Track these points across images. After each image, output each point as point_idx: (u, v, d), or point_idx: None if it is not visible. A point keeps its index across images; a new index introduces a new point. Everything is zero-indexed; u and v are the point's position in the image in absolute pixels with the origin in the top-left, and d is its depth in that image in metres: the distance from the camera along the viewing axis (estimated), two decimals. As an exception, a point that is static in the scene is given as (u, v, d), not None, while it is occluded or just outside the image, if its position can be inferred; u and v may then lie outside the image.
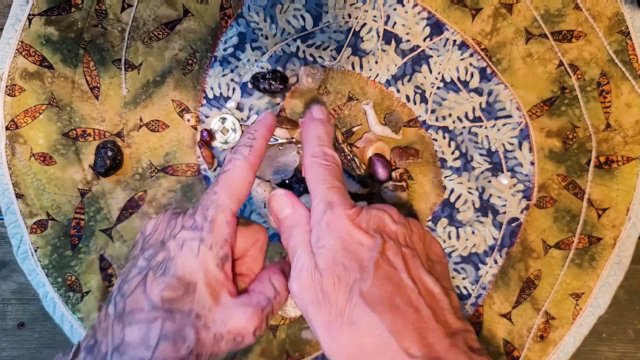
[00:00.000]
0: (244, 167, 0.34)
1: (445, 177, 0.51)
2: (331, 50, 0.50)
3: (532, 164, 0.51)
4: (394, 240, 0.32)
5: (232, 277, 0.33)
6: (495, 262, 0.51)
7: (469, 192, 0.51)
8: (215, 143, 0.50)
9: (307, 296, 0.31)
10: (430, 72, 0.51)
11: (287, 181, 0.50)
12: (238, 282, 0.34)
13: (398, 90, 0.51)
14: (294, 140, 0.50)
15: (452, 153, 0.51)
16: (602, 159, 0.51)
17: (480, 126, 0.51)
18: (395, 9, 0.50)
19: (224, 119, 0.50)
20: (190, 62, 0.50)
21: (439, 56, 0.51)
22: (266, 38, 0.50)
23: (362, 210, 0.33)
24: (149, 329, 0.29)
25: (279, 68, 0.50)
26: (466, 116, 0.51)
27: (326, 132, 0.36)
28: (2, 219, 0.50)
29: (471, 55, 0.51)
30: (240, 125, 0.50)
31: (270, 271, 0.34)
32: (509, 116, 0.51)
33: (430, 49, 0.51)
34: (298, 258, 0.32)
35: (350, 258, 0.30)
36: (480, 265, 0.51)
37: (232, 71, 0.50)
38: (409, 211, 0.51)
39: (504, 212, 0.51)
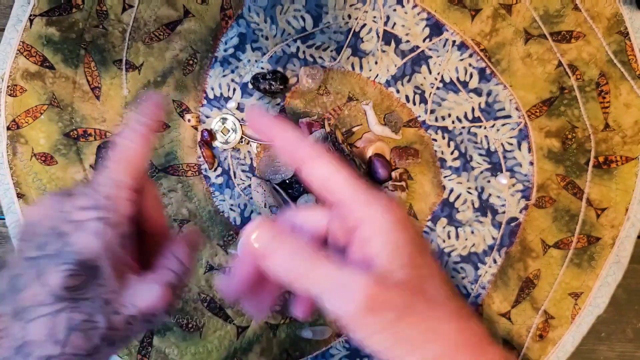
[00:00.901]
0: (136, 138, 0.30)
1: (445, 177, 0.51)
2: (331, 51, 0.51)
3: (531, 164, 0.51)
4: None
5: (136, 255, 0.30)
6: (495, 261, 0.51)
7: (469, 192, 0.51)
8: (216, 143, 0.50)
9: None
10: (430, 72, 0.51)
11: (287, 181, 0.50)
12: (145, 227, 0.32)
13: (398, 91, 0.51)
14: (294, 140, 0.50)
15: (452, 153, 0.51)
16: (601, 159, 0.51)
17: (480, 126, 0.51)
18: (395, 10, 0.51)
19: (224, 119, 0.50)
20: (190, 62, 0.50)
21: (438, 57, 0.51)
22: (266, 39, 0.51)
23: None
24: (55, 323, 0.27)
25: (279, 68, 0.51)
26: (465, 116, 0.51)
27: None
28: (4, 219, 0.50)
29: (470, 55, 0.51)
30: (241, 125, 0.50)
31: (173, 246, 0.32)
32: (508, 116, 0.51)
33: (430, 49, 0.51)
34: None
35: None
36: (479, 264, 0.51)
37: (232, 71, 0.51)
38: (408, 211, 0.51)
39: (503, 212, 0.51)
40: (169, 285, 0.30)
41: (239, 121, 0.50)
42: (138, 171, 0.30)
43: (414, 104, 0.51)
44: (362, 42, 0.51)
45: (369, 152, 0.50)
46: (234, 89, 0.51)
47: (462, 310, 0.26)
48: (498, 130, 0.51)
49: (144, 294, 0.29)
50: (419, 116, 0.51)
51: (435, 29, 0.51)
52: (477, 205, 0.51)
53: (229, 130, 0.50)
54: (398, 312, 0.24)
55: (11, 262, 0.29)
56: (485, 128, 0.51)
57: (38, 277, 0.27)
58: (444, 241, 0.51)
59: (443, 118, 0.51)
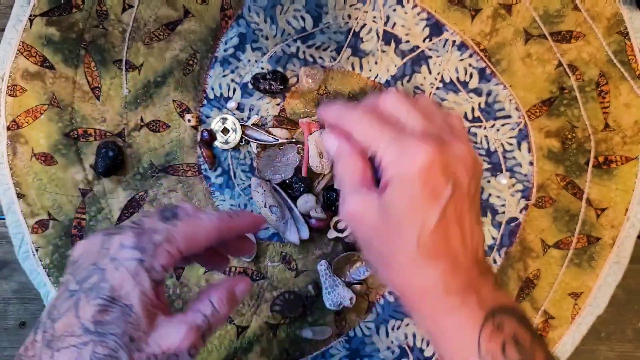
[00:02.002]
0: (210, 228, 0.32)
1: (445, 177, 0.51)
2: (331, 51, 0.51)
3: (531, 164, 0.51)
4: (460, 190, 0.32)
5: (165, 301, 0.32)
6: (495, 261, 0.51)
7: (469, 192, 0.51)
8: (216, 143, 0.50)
9: (360, 229, 0.33)
10: (430, 72, 0.51)
11: (287, 181, 0.50)
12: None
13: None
14: (294, 140, 0.50)
15: (452, 153, 0.51)
16: (600, 159, 0.51)
17: (480, 126, 0.51)
18: (395, 10, 0.51)
19: (224, 119, 0.50)
20: (190, 62, 0.50)
21: (438, 57, 0.51)
22: (266, 39, 0.51)
23: (445, 150, 0.32)
24: (80, 354, 0.28)
25: (279, 68, 0.51)
26: (465, 116, 0.51)
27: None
28: (4, 219, 0.50)
29: (470, 55, 0.51)
30: (241, 125, 0.50)
31: (210, 290, 0.33)
32: (508, 116, 0.51)
33: (430, 49, 0.51)
34: (348, 189, 0.33)
35: (422, 204, 0.31)
36: (479, 264, 0.51)
37: (232, 72, 0.51)
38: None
39: (503, 212, 0.51)
40: (197, 328, 0.30)
41: (239, 121, 0.50)
42: (196, 249, 0.32)
43: (414, 104, 0.51)
44: (362, 42, 0.51)
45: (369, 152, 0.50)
46: (234, 89, 0.51)
47: None
48: (498, 130, 0.51)
49: (170, 334, 0.30)
50: (419, 116, 0.51)
51: (435, 29, 0.51)
52: (477, 205, 0.51)
53: (229, 131, 0.50)
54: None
55: (57, 294, 0.31)
56: (485, 128, 0.51)
57: (72, 309, 0.29)
58: (444, 241, 0.51)
59: (443, 118, 0.51)
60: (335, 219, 0.50)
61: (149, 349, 0.29)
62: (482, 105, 0.51)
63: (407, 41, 0.51)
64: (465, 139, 0.34)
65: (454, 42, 0.51)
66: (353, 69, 0.51)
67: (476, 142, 0.51)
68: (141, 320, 0.29)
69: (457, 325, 0.33)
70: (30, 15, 0.49)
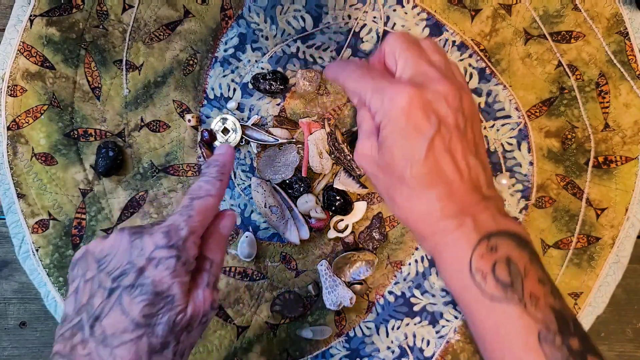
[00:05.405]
0: (216, 199, 0.37)
1: (445, 177, 0.51)
2: (331, 51, 0.51)
3: (531, 164, 0.51)
4: (445, 124, 0.35)
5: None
6: (495, 261, 0.51)
7: (468, 192, 0.51)
8: (216, 143, 0.50)
9: (368, 168, 0.37)
10: (430, 72, 0.51)
11: (287, 181, 0.50)
12: None
13: (398, 91, 0.51)
14: (294, 140, 0.50)
15: (452, 153, 0.51)
16: (600, 159, 0.51)
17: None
18: (395, 10, 0.51)
19: (224, 119, 0.50)
20: (191, 62, 0.50)
21: (438, 57, 0.51)
22: (266, 39, 0.51)
23: (423, 90, 0.35)
24: (138, 348, 0.31)
25: (279, 69, 0.51)
26: (465, 116, 0.51)
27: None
28: (4, 219, 0.50)
29: (470, 55, 0.51)
30: (241, 125, 0.50)
31: (207, 243, 0.37)
32: (508, 116, 0.51)
33: (430, 49, 0.51)
34: (360, 136, 0.38)
35: (408, 139, 0.35)
36: (479, 264, 0.51)
37: (232, 72, 0.51)
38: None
39: (503, 212, 0.51)
40: (208, 285, 0.35)
41: (239, 121, 0.50)
42: (208, 224, 0.36)
43: (414, 104, 0.51)
44: (362, 42, 0.51)
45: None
46: (234, 89, 0.51)
47: None
48: (498, 130, 0.51)
49: (197, 302, 0.34)
50: (419, 116, 0.51)
51: (435, 29, 0.51)
52: (477, 205, 0.51)
53: (229, 130, 0.50)
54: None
55: (77, 288, 0.33)
56: (485, 128, 0.51)
57: (117, 307, 0.32)
58: (443, 241, 0.51)
59: (443, 118, 0.51)
60: (335, 219, 0.50)
61: (188, 324, 0.33)
62: (482, 105, 0.51)
63: (407, 41, 0.51)
64: (450, 79, 0.36)
65: (453, 42, 0.51)
66: (353, 69, 0.51)
67: (476, 142, 0.51)
68: (182, 304, 0.33)
69: (453, 246, 0.35)
70: (31, 15, 0.49)
